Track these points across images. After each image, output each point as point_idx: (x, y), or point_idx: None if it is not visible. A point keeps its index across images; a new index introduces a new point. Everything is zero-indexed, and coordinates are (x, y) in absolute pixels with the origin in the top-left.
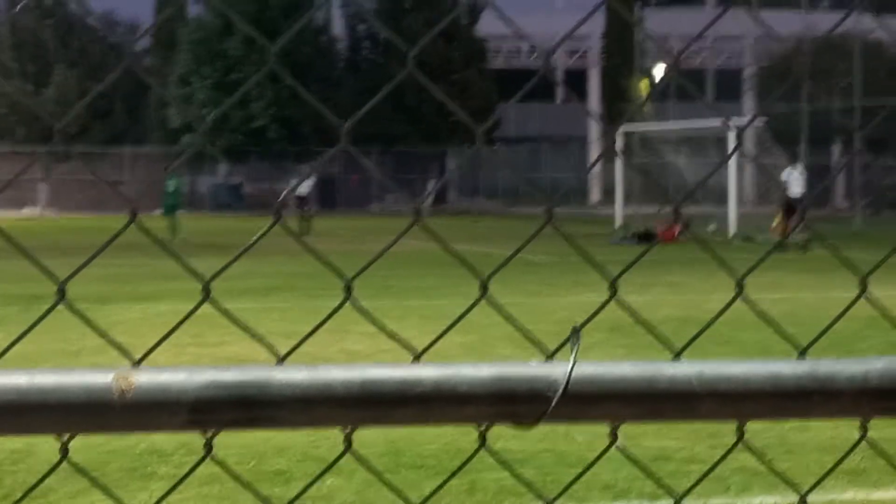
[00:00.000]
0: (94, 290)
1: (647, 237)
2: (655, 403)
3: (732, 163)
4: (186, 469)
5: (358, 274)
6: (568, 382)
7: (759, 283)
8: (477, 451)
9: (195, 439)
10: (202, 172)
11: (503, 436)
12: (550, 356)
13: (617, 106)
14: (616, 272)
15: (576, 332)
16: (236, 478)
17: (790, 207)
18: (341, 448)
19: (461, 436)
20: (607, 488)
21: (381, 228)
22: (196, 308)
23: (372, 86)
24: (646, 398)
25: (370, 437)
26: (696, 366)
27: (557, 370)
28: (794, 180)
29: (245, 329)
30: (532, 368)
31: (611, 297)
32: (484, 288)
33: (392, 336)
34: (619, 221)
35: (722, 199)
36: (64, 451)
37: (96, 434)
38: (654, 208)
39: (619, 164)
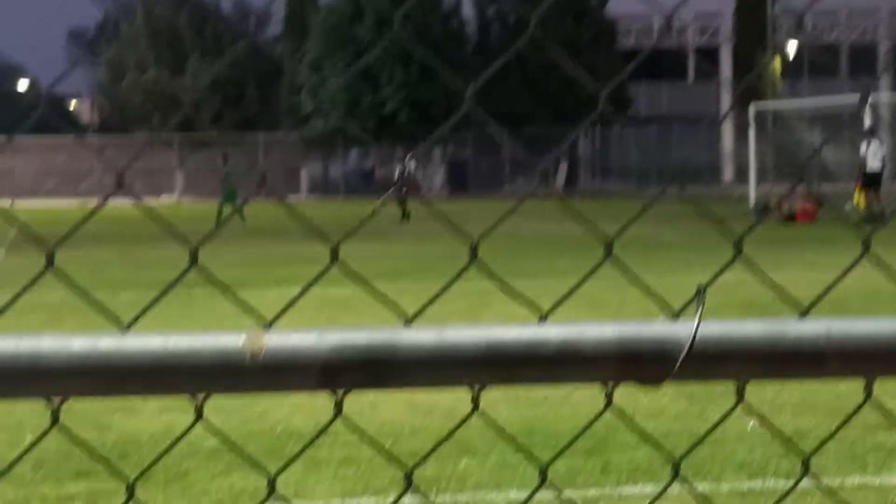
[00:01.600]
0: (232, 274)
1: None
2: (781, 362)
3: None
4: (324, 450)
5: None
6: (693, 341)
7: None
8: (603, 410)
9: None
10: (335, 158)
11: (638, 412)
12: (676, 316)
13: (749, 83)
14: (752, 250)
15: (700, 292)
16: (377, 450)
17: (869, 181)
18: (476, 430)
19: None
20: (742, 467)
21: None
22: (320, 275)
23: (501, 69)
24: (771, 357)
25: (504, 416)
26: (822, 324)
27: (682, 329)
28: (871, 154)
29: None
30: (657, 328)
31: (734, 258)
32: (608, 249)
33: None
34: (752, 201)
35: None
36: (198, 413)
37: (229, 395)
38: (786, 187)
39: (752, 142)
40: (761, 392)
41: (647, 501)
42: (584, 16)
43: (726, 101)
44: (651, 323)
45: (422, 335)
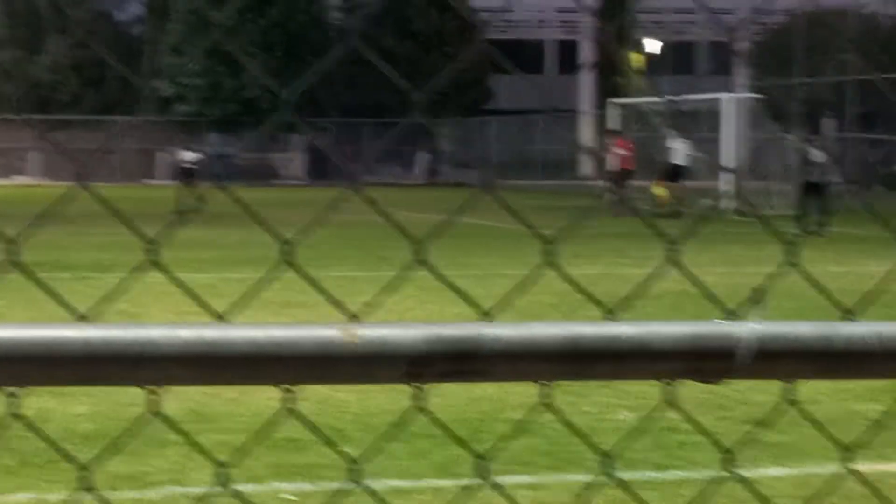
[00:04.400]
0: (95, 257)
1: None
2: (833, 362)
3: (728, 137)
4: (200, 437)
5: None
6: (754, 341)
7: (758, 257)
8: (658, 405)
9: (204, 407)
10: (194, 143)
11: (511, 405)
12: (732, 318)
13: (610, 79)
14: (615, 245)
15: (758, 293)
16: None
17: (672, 175)
18: (348, 417)
19: (469, 405)
20: (617, 459)
21: (374, 199)
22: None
23: (364, 57)
24: (824, 357)
25: (379, 405)
26: (871, 326)
27: (744, 329)
28: (676, 151)
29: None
30: (721, 327)
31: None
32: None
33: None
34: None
35: (715, 173)
36: (290, 403)
37: (324, 384)
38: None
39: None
40: (631, 384)
41: (526, 491)
42: (448, 7)
43: (585, 95)
44: (715, 322)
45: (503, 330)
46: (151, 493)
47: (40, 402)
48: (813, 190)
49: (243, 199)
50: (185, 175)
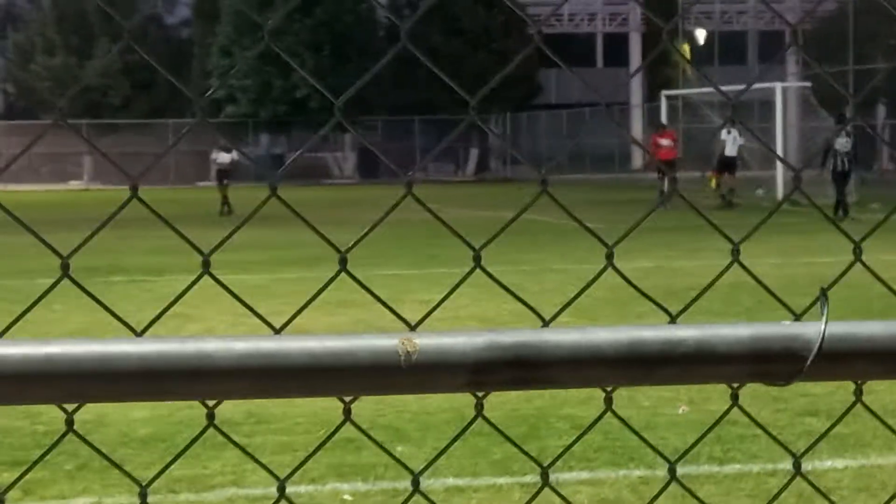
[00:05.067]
0: (148, 261)
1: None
2: None
3: (779, 126)
4: (257, 438)
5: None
6: (822, 341)
7: (811, 247)
8: (728, 410)
9: (260, 408)
10: (244, 143)
11: (567, 402)
12: (798, 318)
13: (660, 71)
14: (667, 238)
15: (824, 293)
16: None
17: (725, 167)
18: (407, 416)
19: (525, 401)
20: (676, 452)
21: (424, 197)
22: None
23: (412, 55)
24: (894, 356)
25: (438, 404)
26: None
27: (810, 329)
28: (729, 142)
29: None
30: (787, 328)
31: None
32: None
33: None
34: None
35: (769, 163)
36: (347, 411)
37: (383, 395)
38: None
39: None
40: None
41: (585, 487)
42: (495, 3)
43: (636, 88)
44: (781, 324)
45: (565, 336)
46: (210, 496)
47: (98, 406)
48: (840, 178)
49: (294, 201)
50: (221, 176)
